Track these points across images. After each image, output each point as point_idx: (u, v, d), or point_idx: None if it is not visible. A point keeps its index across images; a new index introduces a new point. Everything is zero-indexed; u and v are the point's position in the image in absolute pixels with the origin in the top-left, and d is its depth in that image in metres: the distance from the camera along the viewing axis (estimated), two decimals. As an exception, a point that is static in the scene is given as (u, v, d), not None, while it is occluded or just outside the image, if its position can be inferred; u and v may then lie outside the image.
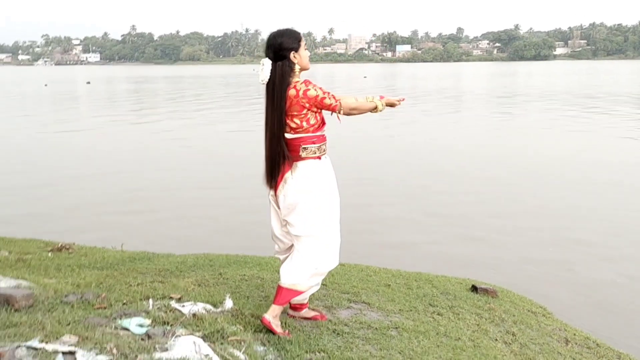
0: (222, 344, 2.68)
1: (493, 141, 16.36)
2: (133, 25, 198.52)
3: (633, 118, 21.40)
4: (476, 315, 3.80)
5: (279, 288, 3.06)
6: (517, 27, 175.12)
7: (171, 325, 2.80)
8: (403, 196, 10.23)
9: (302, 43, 3.04)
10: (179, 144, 16.37)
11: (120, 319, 2.83)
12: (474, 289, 4.42)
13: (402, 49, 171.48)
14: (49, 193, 10.52)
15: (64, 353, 2.33)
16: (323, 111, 3.06)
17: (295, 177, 3.02)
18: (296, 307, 3.29)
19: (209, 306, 3.19)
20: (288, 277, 3.04)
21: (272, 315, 3.01)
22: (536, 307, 4.40)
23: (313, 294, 3.68)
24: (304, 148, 3.01)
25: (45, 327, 2.60)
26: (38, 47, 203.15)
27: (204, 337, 2.70)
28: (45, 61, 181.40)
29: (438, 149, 14.99)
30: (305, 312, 3.32)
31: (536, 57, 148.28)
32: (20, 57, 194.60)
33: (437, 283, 4.48)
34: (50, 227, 8.04)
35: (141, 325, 2.75)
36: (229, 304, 3.25)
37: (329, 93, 2.99)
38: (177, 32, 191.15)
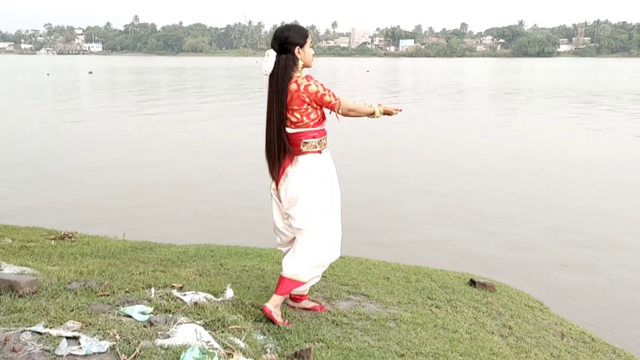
0: (222, 332, 2.73)
1: (494, 138, 16.37)
2: (136, 16, 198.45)
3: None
4: (474, 308, 3.84)
5: (281, 278, 3.11)
6: (521, 23, 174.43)
7: (173, 313, 2.84)
8: (404, 191, 10.26)
9: (308, 40, 3.07)
10: (181, 135, 16.40)
11: (123, 306, 2.88)
12: (472, 283, 4.46)
13: (406, 44, 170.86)
14: (51, 183, 10.56)
15: (68, 338, 2.37)
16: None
17: (296, 171, 3.06)
18: (296, 298, 3.33)
19: (210, 295, 3.23)
20: (290, 267, 3.08)
21: (274, 305, 3.06)
22: (533, 302, 4.45)
23: (313, 286, 3.73)
24: (305, 142, 3.05)
25: (49, 313, 2.65)
26: (40, 36, 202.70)
27: (205, 325, 2.75)
28: (48, 50, 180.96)
29: (440, 145, 15.00)
30: (305, 303, 3.36)
31: (540, 54, 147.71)
32: (22, 45, 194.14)
33: (436, 277, 4.52)
34: (52, 216, 8.08)
35: (143, 313, 2.79)
36: (229, 293, 3.29)
37: (329, 90, 3.03)
38: (180, 23, 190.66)
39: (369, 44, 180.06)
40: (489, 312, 3.84)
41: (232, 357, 2.42)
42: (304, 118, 3.02)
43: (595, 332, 4.15)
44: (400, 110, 3.24)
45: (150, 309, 2.86)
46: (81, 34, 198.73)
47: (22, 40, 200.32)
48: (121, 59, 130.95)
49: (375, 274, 4.37)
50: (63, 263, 3.96)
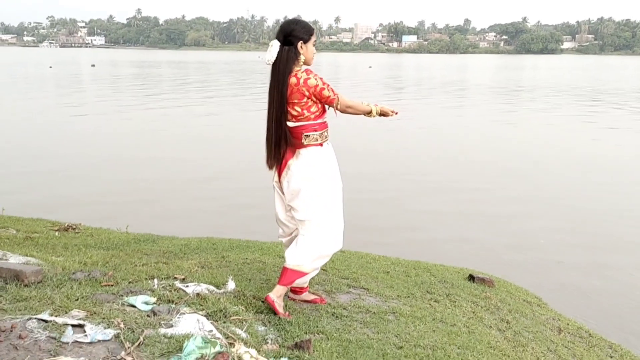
0: (224, 322, 2.78)
1: (496, 135, 16.39)
2: (139, 9, 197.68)
3: None
4: (472, 303, 3.89)
5: (284, 269, 3.16)
6: (524, 20, 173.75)
7: (175, 304, 2.89)
8: (405, 188, 10.30)
9: (313, 38, 3.12)
10: (184, 130, 16.44)
11: (127, 296, 2.93)
12: (471, 278, 4.51)
13: (408, 40, 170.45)
14: (53, 177, 10.62)
15: (73, 326, 2.42)
16: None
17: (298, 164, 3.11)
18: (297, 291, 3.38)
19: (212, 287, 3.28)
20: (293, 258, 3.13)
21: (276, 295, 3.11)
22: (531, 297, 4.49)
23: (313, 279, 3.78)
24: (306, 135, 3.09)
25: (55, 302, 2.70)
26: (43, 28, 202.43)
27: (207, 316, 2.79)
28: (50, 43, 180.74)
29: (442, 142, 15.03)
30: (306, 296, 3.41)
31: (543, 51, 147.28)
32: (25, 38, 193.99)
33: (436, 271, 4.56)
34: (54, 208, 8.12)
35: (147, 303, 2.84)
36: (231, 285, 3.33)
37: (328, 85, 3.07)
38: (183, 16, 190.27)
39: (371, 39, 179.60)
40: (487, 307, 3.88)
41: (234, 346, 2.46)
42: (305, 111, 3.06)
43: (592, 327, 4.20)
44: (396, 113, 3.27)
45: (154, 299, 2.91)
46: (84, 27, 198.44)
47: (25, 33, 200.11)
48: (124, 52, 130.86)
49: (375, 268, 4.42)
50: (67, 254, 4.01)
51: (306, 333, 2.93)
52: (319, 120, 3.12)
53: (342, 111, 3.16)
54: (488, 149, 14.07)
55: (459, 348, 3.07)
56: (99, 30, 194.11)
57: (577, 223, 8.24)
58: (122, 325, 2.49)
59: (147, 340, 2.38)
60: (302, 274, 3.17)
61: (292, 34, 3.05)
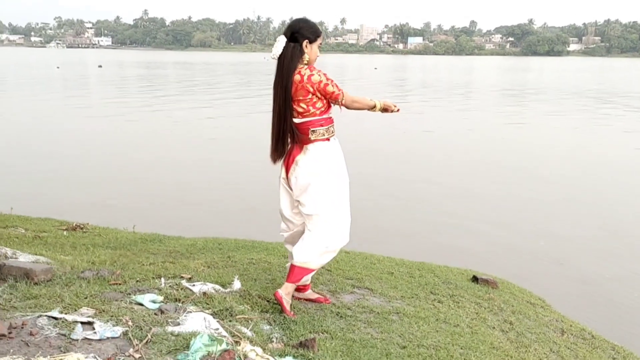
0: (230, 321, 2.82)
1: (502, 137, 16.38)
2: (145, 10, 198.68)
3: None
4: (476, 304, 3.91)
5: (292, 266, 3.21)
6: (530, 21, 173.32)
7: (182, 302, 2.94)
8: (410, 189, 10.32)
9: (318, 40, 3.16)
10: (190, 131, 16.52)
11: (135, 294, 2.97)
12: (475, 279, 4.53)
13: (414, 41, 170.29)
14: (61, 176, 10.70)
15: (82, 323, 2.47)
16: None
17: (306, 159, 3.15)
18: (300, 288, 3.42)
19: (218, 286, 3.32)
20: (300, 255, 3.17)
21: (285, 292, 3.16)
22: (535, 299, 4.51)
23: (318, 279, 3.83)
24: (313, 131, 3.14)
25: (64, 300, 2.75)
26: (50, 29, 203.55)
27: (214, 315, 2.84)
28: (58, 43, 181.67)
29: (448, 144, 15.03)
30: (309, 294, 3.45)
31: (549, 53, 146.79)
32: (32, 38, 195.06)
33: (439, 273, 4.59)
34: (62, 208, 8.20)
35: (154, 301, 2.88)
36: (237, 285, 3.38)
37: (332, 81, 3.12)
38: (189, 17, 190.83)
39: (377, 40, 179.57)
40: (491, 308, 3.90)
41: (240, 344, 2.50)
42: (310, 108, 3.11)
43: (596, 329, 4.21)
44: (398, 110, 3.29)
45: (161, 298, 2.95)
46: (91, 28, 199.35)
47: (32, 33, 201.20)
48: (130, 53, 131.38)
49: (379, 268, 4.45)
50: (76, 253, 4.07)
51: (311, 332, 2.96)
52: (325, 116, 3.16)
53: (348, 106, 3.20)
54: (493, 151, 14.07)
55: (462, 348, 3.09)
56: (105, 31, 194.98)
57: (581, 225, 8.24)
58: (130, 323, 2.53)
59: (154, 338, 2.42)
60: (309, 271, 3.21)
61: (299, 32, 3.11)
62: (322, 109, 3.14)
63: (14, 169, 11.04)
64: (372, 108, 3.23)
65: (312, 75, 3.07)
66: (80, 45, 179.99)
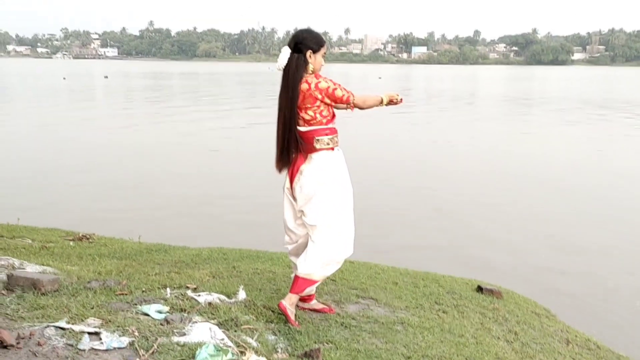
0: (235, 331, 2.83)
1: (507, 147, 16.37)
2: (151, 21, 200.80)
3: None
4: (480, 314, 3.91)
5: (296, 277, 3.22)
6: (534, 31, 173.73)
7: (188, 313, 2.96)
8: (414, 198, 10.33)
9: (322, 50, 3.20)
10: (195, 141, 16.60)
11: (140, 305, 3.00)
12: (480, 289, 4.53)
13: (418, 51, 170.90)
14: (67, 187, 10.76)
15: (89, 333, 2.50)
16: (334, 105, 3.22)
17: (311, 168, 3.19)
18: (304, 299, 3.43)
19: (223, 296, 3.35)
20: (304, 266, 3.19)
21: (289, 303, 3.18)
22: (540, 309, 4.50)
23: (322, 288, 3.84)
24: (317, 140, 3.17)
25: (71, 310, 2.77)
26: (57, 40, 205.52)
27: (219, 325, 2.86)
28: (64, 54, 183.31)
29: (453, 152, 15.04)
30: (314, 304, 3.46)
31: (553, 62, 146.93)
32: (39, 49, 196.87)
33: (444, 282, 4.59)
34: (68, 218, 8.25)
35: (160, 312, 2.91)
36: (242, 295, 3.39)
37: (340, 85, 3.17)
38: (194, 28, 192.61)
39: (381, 50, 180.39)
40: (495, 318, 3.90)
41: (245, 355, 2.52)
42: (317, 115, 3.15)
43: (601, 339, 4.19)
44: (402, 100, 3.35)
45: (167, 308, 2.97)
46: (97, 39, 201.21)
47: (39, 44, 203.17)
48: (136, 63, 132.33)
49: (384, 278, 4.46)
50: (82, 263, 4.10)
51: (315, 342, 2.97)
52: (330, 125, 3.21)
53: (360, 106, 3.27)
54: (497, 160, 14.07)
55: (466, 359, 3.10)
56: (111, 42, 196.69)
57: (587, 235, 8.22)
58: (136, 333, 2.56)
59: (160, 348, 2.44)
60: (312, 282, 3.23)
61: (303, 42, 3.15)
62: (328, 117, 3.19)
63: (21, 179, 11.12)
64: (380, 103, 3.30)
65: (319, 82, 3.13)
66: (86, 56, 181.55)
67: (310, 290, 3.35)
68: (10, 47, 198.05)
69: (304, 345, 2.90)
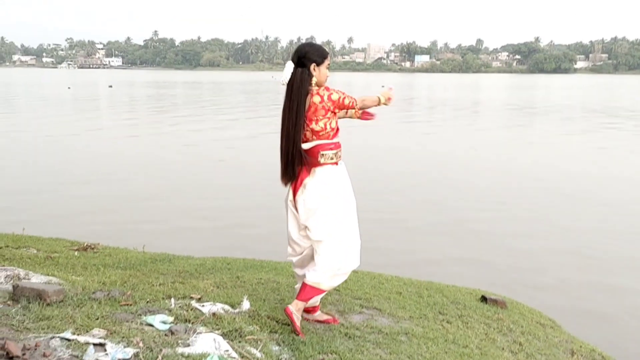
0: (239, 342, 2.84)
1: (512, 156, 16.35)
2: (155, 31, 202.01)
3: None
4: (485, 324, 3.90)
5: (304, 284, 3.24)
6: (537, 39, 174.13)
7: (192, 323, 2.96)
8: (418, 208, 10.32)
9: (326, 61, 3.25)
10: (198, 151, 16.65)
11: (145, 315, 3.00)
12: (484, 299, 4.51)
13: (421, 59, 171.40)
14: (72, 195, 10.80)
15: (94, 344, 2.50)
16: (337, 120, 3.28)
17: (314, 182, 3.21)
18: (309, 310, 3.43)
19: (227, 307, 3.35)
20: (312, 275, 3.21)
21: (296, 308, 3.19)
22: (545, 319, 4.48)
23: (326, 299, 3.84)
24: (322, 154, 3.21)
25: (76, 321, 2.78)
26: (62, 50, 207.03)
27: (223, 335, 2.86)
28: (69, 64, 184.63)
29: (456, 162, 15.04)
30: (318, 315, 3.46)
31: (556, 70, 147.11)
32: (44, 59, 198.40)
33: (448, 292, 4.58)
34: (72, 228, 8.28)
35: (164, 322, 2.91)
36: (246, 305, 3.40)
37: (344, 93, 3.26)
38: (198, 38, 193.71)
39: (384, 59, 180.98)
40: (500, 329, 3.89)
41: (249, 366, 2.52)
42: (327, 126, 3.20)
43: (606, 350, 4.17)
44: (391, 89, 3.48)
45: (171, 319, 2.98)
46: (102, 49, 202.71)
47: (44, 54, 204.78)
48: (140, 73, 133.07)
49: (387, 288, 4.45)
50: (87, 273, 4.11)
51: (319, 353, 2.97)
52: (335, 140, 3.25)
53: (362, 108, 3.35)
54: (501, 169, 14.06)
55: (471, 370, 3.09)
56: (116, 52, 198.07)
57: (592, 245, 8.18)
58: (141, 344, 2.56)
59: (165, 359, 2.45)
60: (320, 291, 3.25)
61: (306, 56, 3.19)
62: (335, 129, 3.24)
63: (26, 189, 11.17)
64: (378, 103, 3.39)
65: (332, 94, 3.19)
66: (91, 66, 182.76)
67: (315, 301, 3.36)
68: (15, 57, 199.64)
69: (308, 356, 2.90)
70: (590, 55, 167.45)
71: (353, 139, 17.15)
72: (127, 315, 2.99)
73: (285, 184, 3.31)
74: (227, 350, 2.64)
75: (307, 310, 3.43)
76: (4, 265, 3.93)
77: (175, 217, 9.36)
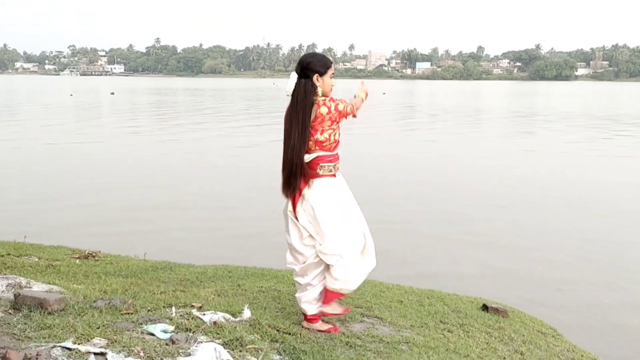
0: (240, 351, 2.84)
1: (514, 163, 16.35)
2: (157, 38, 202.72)
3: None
4: (486, 333, 3.90)
5: (325, 290, 3.36)
6: (538, 46, 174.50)
7: (193, 332, 2.96)
8: (419, 216, 10.31)
9: (329, 71, 3.28)
10: (200, 158, 16.68)
11: (146, 324, 3.01)
12: (485, 308, 4.51)
13: (422, 66, 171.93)
14: (71, 203, 10.82)
15: (95, 354, 2.51)
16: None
17: (313, 193, 3.24)
18: (310, 320, 3.43)
19: (228, 315, 3.35)
20: (330, 283, 3.32)
21: (330, 309, 3.41)
22: (546, 328, 4.47)
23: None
24: (322, 166, 3.23)
25: (77, 330, 2.79)
26: (64, 57, 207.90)
27: (224, 344, 2.86)
28: (71, 71, 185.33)
29: (458, 168, 15.04)
30: (319, 325, 3.46)
31: (557, 77, 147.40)
32: (47, 66, 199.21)
33: (449, 301, 4.58)
34: (74, 235, 8.28)
35: (165, 331, 2.92)
36: (247, 314, 3.40)
37: (345, 101, 3.31)
38: (200, 45, 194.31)
39: (385, 66, 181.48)
40: (501, 338, 3.88)
41: (250, 375, 2.52)
42: (331, 137, 3.23)
43: (608, 359, 4.16)
44: (363, 82, 3.60)
45: (172, 328, 2.98)
46: (104, 56, 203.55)
47: (47, 61, 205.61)
48: (142, 80, 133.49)
49: (388, 297, 4.45)
50: (88, 282, 4.12)
51: (320, 362, 2.97)
52: (334, 152, 3.28)
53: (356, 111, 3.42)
54: (502, 178, 14.05)
55: (472, 379, 3.08)
56: (118, 59, 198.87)
57: (593, 253, 8.16)
58: (142, 354, 2.56)
59: (166, 369, 2.45)
60: (340, 295, 3.41)
61: (309, 67, 3.21)
62: (338, 139, 3.29)
63: (28, 197, 11.18)
64: (362, 101, 3.47)
65: (338, 104, 3.23)
66: (93, 73, 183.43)
67: (318, 311, 3.40)
68: (18, 64, 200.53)
69: (309, 366, 2.90)
70: (591, 62, 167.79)
71: (355, 148, 17.17)
72: (128, 324, 2.99)
73: (287, 196, 3.32)
74: (228, 360, 2.64)
75: (308, 320, 3.44)
76: (5, 274, 3.94)
77: (177, 224, 9.36)
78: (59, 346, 2.55)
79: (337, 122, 3.23)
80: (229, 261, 5.94)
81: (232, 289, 4.16)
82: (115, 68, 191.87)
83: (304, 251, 3.32)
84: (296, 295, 3.48)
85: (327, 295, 3.36)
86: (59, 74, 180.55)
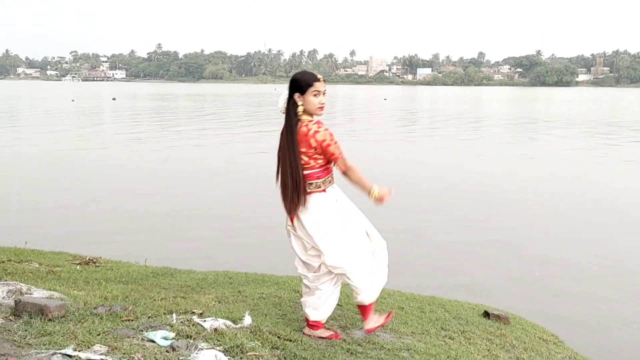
0: (241, 358, 2.83)
1: (515, 169, 16.34)
2: (159, 44, 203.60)
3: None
4: (487, 340, 3.88)
5: (358, 307, 3.52)
6: (539, 52, 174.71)
7: (194, 339, 2.96)
8: (420, 222, 10.30)
9: (311, 89, 3.15)
10: (201, 164, 16.68)
11: (146, 331, 3.00)
12: (486, 314, 4.50)
13: (423, 72, 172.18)
14: (72, 210, 10.82)
15: (95, 361, 2.50)
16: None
17: (303, 210, 3.23)
18: (313, 326, 3.43)
19: (229, 322, 3.34)
20: (355, 296, 3.38)
21: (373, 322, 3.51)
22: (548, 335, 4.46)
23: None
24: (310, 183, 3.22)
25: (77, 337, 2.78)
26: (66, 63, 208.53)
27: (225, 351, 2.85)
28: (73, 77, 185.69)
29: (461, 174, 15.03)
30: (321, 332, 3.45)
31: (558, 83, 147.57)
32: (48, 72, 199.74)
33: (450, 308, 4.57)
34: (74, 241, 8.28)
35: (166, 338, 2.91)
36: (248, 320, 3.39)
37: (335, 142, 3.17)
38: (202, 50, 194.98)
39: (386, 72, 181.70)
40: (503, 345, 3.87)
41: (250, 383, 2.51)
42: (311, 161, 3.17)
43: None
44: (392, 192, 3.34)
45: (172, 335, 2.98)
46: (106, 62, 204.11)
47: (49, 67, 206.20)
48: (144, 85, 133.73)
49: (389, 303, 4.44)
50: (89, 288, 4.11)
51: (321, 370, 2.96)
52: (323, 168, 3.23)
53: (342, 172, 3.26)
54: (504, 183, 14.04)
55: (473, 387, 3.07)
56: (120, 65, 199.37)
57: (595, 259, 8.15)
58: (142, 361, 2.56)
59: (166, 376, 2.44)
60: (372, 304, 3.44)
61: (291, 85, 3.21)
62: (322, 163, 3.20)
63: (28, 203, 11.19)
64: (369, 192, 3.25)
65: (318, 132, 3.12)
66: (95, 79, 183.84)
67: (322, 318, 3.42)
68: (20, 70, 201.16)
69: (310, 373, 2.89)
70: (592, 68, 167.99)
71: (359, 153, 17.18)
72: (128, 330, 2.99)
73: (290, 212, 3.25)
74: (229, 367, 2.63)
75: (310, 326, 3.43)
76: (6, 280, 3.94)
77: (178, 231, 9.35)
78: (60, 353, 2.54)
79: (316, 150, 3.11)
80: (229, 267, 5.93)
81: (233, 295, 4.16)
82: (117, 73, 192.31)
83: (311, 262, 3.33)
84: (301, 300, 3.47)
85: (361, 311, 3.46)
86: (60, 80, 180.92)
